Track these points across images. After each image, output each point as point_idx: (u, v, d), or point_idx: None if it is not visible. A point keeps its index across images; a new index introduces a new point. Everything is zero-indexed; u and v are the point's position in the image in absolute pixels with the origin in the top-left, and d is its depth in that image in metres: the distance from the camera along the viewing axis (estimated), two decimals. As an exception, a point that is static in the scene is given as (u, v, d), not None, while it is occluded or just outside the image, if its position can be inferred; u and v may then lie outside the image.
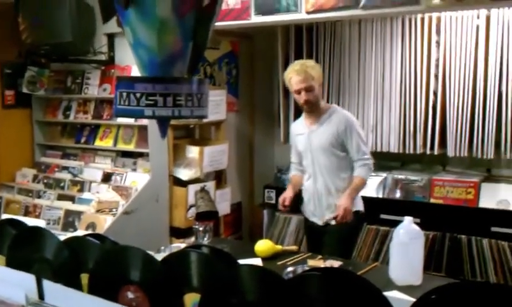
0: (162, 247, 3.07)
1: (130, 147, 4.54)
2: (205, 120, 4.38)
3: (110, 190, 4.32)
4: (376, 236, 4.46)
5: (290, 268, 2.79)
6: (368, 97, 4.64)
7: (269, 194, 5.11)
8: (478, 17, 4.10)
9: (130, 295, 1.51)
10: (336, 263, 2.94)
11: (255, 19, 4.01)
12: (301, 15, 3.82)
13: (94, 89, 4.63)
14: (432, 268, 4.14)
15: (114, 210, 4.12)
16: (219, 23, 3.86)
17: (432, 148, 4.40)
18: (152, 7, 1.57)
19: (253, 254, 3.07)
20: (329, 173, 3.51)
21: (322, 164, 3.52)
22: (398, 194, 4.54)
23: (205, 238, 3.24)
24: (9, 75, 4.75)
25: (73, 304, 1.43)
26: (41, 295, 1.51)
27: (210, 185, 4.49)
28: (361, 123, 4.63)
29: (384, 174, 4.64)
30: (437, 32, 4.27)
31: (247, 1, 4.00)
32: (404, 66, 4.43)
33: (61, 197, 4.49)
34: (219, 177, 4.83)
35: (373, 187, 4.54)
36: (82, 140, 4.82)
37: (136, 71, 1.81)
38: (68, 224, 4.21)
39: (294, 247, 3.44)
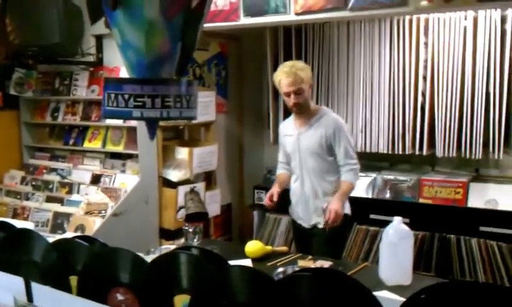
0: (152, 249, 3.06)
1: (119, 148, 4.52)
2: (194, 121, 4.37)
3: (99, 192, 4.30)
4: (366, 237, 4.47)
5: (280, 269, 2.80)
6: (357, 98, 4.66)
7: (259, 195, 5.11)
8: (465, 19, 4.12)
9: (120, 297, 1.51)
10: (326, 264, 2.95)
11: (244, 21, 4.02)
12: (289, 17, 3.83)
13: (82, 90, 4.61)
14: (422, 268, 4.16)
15: (103, 211, 4.10)
16: (208, 25, 3.86)
17: (421, 148, 4.42)
18: (139, 8, 1.56)
19: (243, 255, 3.07)
20: (316, 175, 3.50)
21: (310, 166, 3.51)
22: (387, 195, 4.55)
23: (195, 240, 3.24)
24: (-3, 76, 4.72)
25: (62, 306, 1.42)
26: (29, 298, 1.50)
27: (200, 186, 4.49)
28: (350, 124, 4.66)
29: (373, 175, 4.65)
30: (425, 34, 4.30)
31: (236, 3, 4.01)
32: (392, 67, 4.45)
33: (49, 199, 4.46)
34: (208, 178, 4.83)
35: (362, 188, 4.55)
36: (71, 142, 4.79)
37: (124, 73, 1.80)
38: (57, 226, 4.19)
39: (284, 248, 3.44)
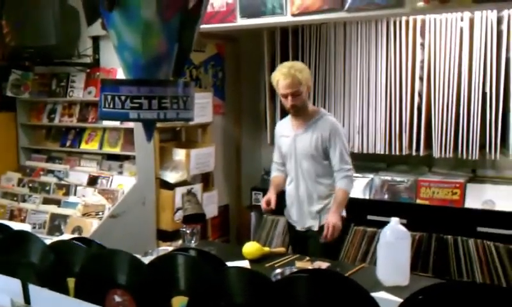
0: (149, 251, 3.06)
1: (116, 150, 4.51)
2: (191, 123, 4.38)
3: (96, 194, 4.29)
4: (363, 238, 4.47)
5: (278, 270, 2.79)
6: (354, 99, 4.66)
7: (257, 196, 5.11)
8: (462, 20, 4.13)
9: (117, 298, 1.51)
10: (324, 265, 2.95)
11: (241, 22, 4.02)
12: (286, 18, 3.83)
13: (79, 92, 4.60)
14: (419, 268, 4.16)
15: (100, 213, 4.10)
16: (204, 26, 3.86)
17: (418, 149, 4.42)
18: (136, 9, 1.56)
19: (240, 257, 3.07)
20: (311, 178, 3.49)
21: (305, 169, 3.49)
22: (384, 195, 4.55)
23: (193, 241, 3.23)
24: (-7, 78, 4.71)
25: (60, 308, 1.42)
26: (27, 300, 1.49)
27: (197, 187, 4.49)
28: (347, 125, 4.67)
29: (370, 176, 4.65)
30: (421, 35, 4.30)
31: (232, 4, 4.00)
32: (389, 68, 4.45)
33: (46, 201, 4.45)
34: (206, 180, 4.82)
35: (360, 189, 4.55)
36: (68, 143, 4.78)
37: (121, 74, 1.80)
38: (54, 228, 4.18)
39: (281, 249, 3.45)
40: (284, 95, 3.41)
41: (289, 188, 3.62)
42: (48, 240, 1.80)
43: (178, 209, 3.67)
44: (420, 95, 4.37)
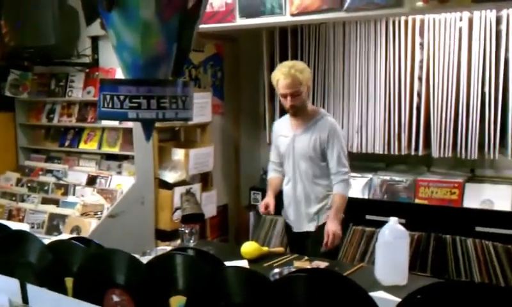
0: (148, 250, 3.06)
1: (115, 150, 4.51)
2: (190, 123, 4.38)
3: (95, 194, 4.29)
4: (362, 237, 4.48)
5: (276, 270, 2.79)
6: (353, 99, 4.66)
7: (255, 196, 5.11)
8: (461, 19, 4.13)
9: (116, 298, 1.51)
10: (322, 264, 2.95)
11: (240, 22, 4.02)
12: (285, 18, 3.83)
13: (78, 92, 4.60)
14: (418, 268, 4.16)
15: (99, 213, 4.10)
16: (203, 26, 3.86)
17: (416, 149, 4.42)
18: (135, 9, 1.56)
19: (239, 256, 3.07)
20: (309, 179, 3.47)
21: (303, 170, 3.47)
22: (383, 195, 4.56)
23: (191, 241, 3.23)
24: (-8, 78, 4.71)
25: (58, 308, 1.42)
26: (25, 300, 1.49)
27: (196, 187, 4.49)
28: (346, 125, 4.67)
29: (369, 176, 4.65)
30: (421, 35, 4.30)
31: (232, 4, 4.01)
32: (388, 67, 4.46)
33: (45, 201, 4.44)
34: (205, 179, 4.82)
35: (358, 188, 4.56)
36: (66, 143, 4.78)
37: (120, 74, 1.80)
38: (53, 228, 4.17)
39: (280, 249, 3.44)
40: (283, 95, 3.39)
41: (287, 189, 3.60)
42: (47, 240, 1.79)
43: (177, 209, 3.67)
44: (419, 95, 4.37)
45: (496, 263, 3.98)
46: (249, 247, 3.13)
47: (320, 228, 3.43)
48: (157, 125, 3.97)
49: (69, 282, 1.61)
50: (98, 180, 4.48)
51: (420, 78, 4.35)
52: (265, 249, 3.25)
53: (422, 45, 4.31)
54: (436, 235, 4.21)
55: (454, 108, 4.21)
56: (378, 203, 4.52)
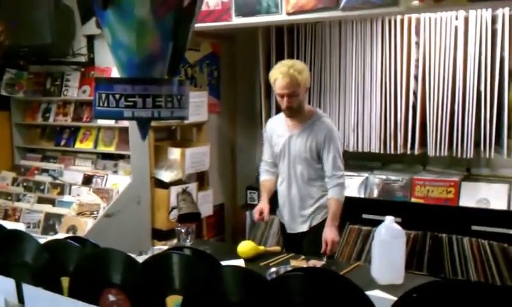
0: (144, 250, 3.06)
1: (111, 149, 4.51)
2: (186, 122, 4.37)
3: (91, 193, 4.28)
4: (358, 236, 4.48)
5: (273, 269, 2.80)
6: (349, 98, 4.66)
7: (252, 195, 5.11)
8: (456, 18, 4.13)
9: (112, 298, 1.50)
10: (319, 263, 2.95)
11: (236, 20, 4.01)
12: (281, 16, 3.83)
13: (74, 91, 4.60)
14: (414, 267, 4.17)
15: (95, 212, 4.09)
16: (199, 25, 3.86)
17: (412, 147, 4.42)
18: (130, 7, 1.56)
19: (235, 256, 3.07)
20: (304, 181, 3.44)
21: (298, 171, 3.43)
22: (379, 194, 4.56)
23: (188, 240, 3.23)
24: (-12, 77, 4.70)
25: (54, 308, 1.42)
26: (20, 300, 1.49)
27: (192, 186, 4.48)
28: (342, 124, 4.67)
29: (365, 175, 4.66)
30: (416, 33, 4.30)
31: (228, 2, 4.00)
32: (384, 66, 4.46)
33: (41, 200, 4.44)
34: (201, 179, 4.82)
35: (355, 187, 4.56)
36: (62, 142, 4.77)
37: (116, 73, 1.79)
38: (49, 228, 4.17)
39: (276, 248, 3.44)
40: (280, 95, 3.32)
41: (281, 189, 3.57)
42: (43, 240, 1.79)
43: (173, 208, 3.66)
44: (415, 94, 4.37)
45: (492, 261, 3.99)
46: (245, 247, 3.13)
47: (315, 228, 3.42)
48: (153, 124, 3.97)
49: (65, 282, 1.60)
50: (94, 180, 4.47)
51: (416, 77, 4.35)
52: (262, 248, 3.24)
53: (417, 44, 4.31)
54: (432, 233, 4.21)
55: (450, 107, 4.22)
56: (374, 202, 4.52)
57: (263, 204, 3.48)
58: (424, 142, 4.39)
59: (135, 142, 4.17)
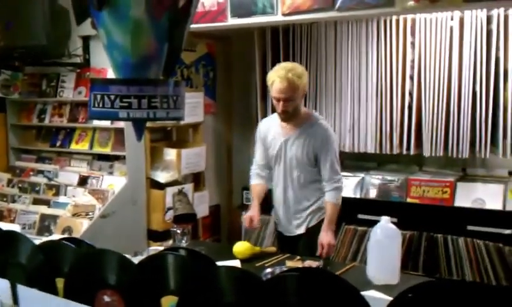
0: (140, 251, 3.05)
1: (107, 150, 4.50)
2: (182, 122, 4.37)
3: (86, 194, 4.27)
4: (354, 236, 4.48)
5: (268, 270, 2.80)
6: (345, 98, 4.66)
7: (247, 196, 5.10)
8: (452, 19, 4.14)
9: (107, 299, 1.50)
10: (314, 264, 2.95)
11: (232, 21, 4.02)
12: (277, 17, 3.83)
13: (69, 92, 4.59)
14: (410, 267, 4.17)
15: (90, 213, 4.08)
16: (195, 26, 3.86)
17: (408, 148, 4.43)
18: (125, 8, 1.56)
19: (231, 256, 3.07)
20: (300, 184, 3.38)
21: (295, 176, 3.37)
22: (375, 194, 4.56)
23: (183, 241, 3.23)
24: (-17, 79, 4.68)
25: (49, 309, 1.41)
26: (15, 301, 1.49)
27: (188, 187, 4.48)
28: (338, 125, 4.68)
29: (361, 175, 4.66)
30: (412, 34, 4.31)
31: (223, 3, 4.00)
32: (379, 67, 4.46)
33: (36, 202, 4.43)
34: (197, 179, 4.82)
35: (350, 187, 4.56)
36: (58, 143, 4.76)
37: (111, 74, 1.79)
38: (44, 229, 4.16)
39: (272, 249, 3.44)
40: (276, 99, 3.23)
41: (277, 192, 3.50)
42: (38, 241, 1.79)
43: (169, 209, 3.67)
44: (411, 94, 4.38)
45: (487, 262, 3.99)
46: (241, 247, 3.13)
47: (311, 230, 3.40)
48: (149, 124, 3.96)
49: (60, 283, 1.60)
50: (89, 181, 4.47)
51: (411, 78, 4.36)
52: (258, 248, 3.24)
53: (413, 44, 4.32)
54: (427, 234, 4.22)
55: (446, 107, 4.23)
56: (370, 202, 4.53)
57: (253, 211, 3.39)
58: (419, 143, 4.40)
59: (130, 143, 4.17)
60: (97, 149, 4.55)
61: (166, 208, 4.08)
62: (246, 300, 1.34)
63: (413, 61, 4.33)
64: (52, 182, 4.56)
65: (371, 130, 4.55)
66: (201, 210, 4.69)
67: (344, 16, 3.88)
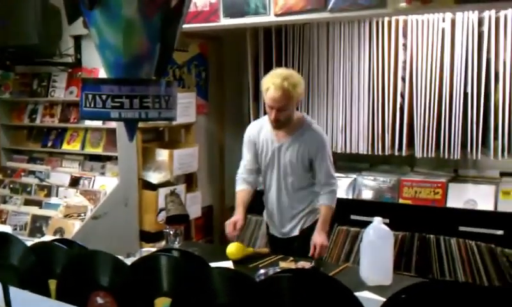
0: (132, 252, 3.04)
1: (98, 150, 4.48)
2: (174, 123, 4.36)
3: (78, 195, 4.26)
4: (347, 237, 4.49)
5: (261, 271, 2.79)
6: (337, 99, 4.67)
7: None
8: (443, 20, 4.16)
9: (99, 300, 1.49)
10: (307, 265, 2.95)
11: (224, 21, 4.01)
12: (269, 18, 3.83)
13: (61, 92, 4.57)
14: (402, 268, 4.18)
15: (82, 214, 4.06)
16: (187, 26, 3.85)
17: (400, 149, 4.44)
18: (117, 7, 1.55)
19: (224, 257, 3.06)
20: (294, 189, 3.35)
21: (289, 181, 3.33)
22: (367, 195, 4.57)
23: (176, 242, 3.22)
24: (-27, 78, 4.66)
25: (40, 310, 1.40)
26: (7, 302, 1.48)
27: (181, 188, 4.47)
28: (330, 125, 4.68)
29: (353, 176, 4.67)
30: (404, 35, 4.32)
31: (216, 3, 4.00)
32: (371, 68, 4.47)
33: (27, 202, 4.41)
34: (189, 180, 4.80)
35: (343, 188, 4.57)
36: (49, 144, 4.74)
37: (103, 74, 1.78)
38: (36, 230, 4.14)
39: (265, 249, 3.43)
40: (269, 106, 3.14)
41: (270, 195, 3.44)
42: (30, 242, 1.78)
43: (162, 210, 3.65)
44: (403, 95, 4.39)
45: (479, 262, 4.01)
46: (234, 248, 3.12)
47: (305, 231, 3.39)
48: (141, 125, 3.95)
49: (52, 284, 1.59)
50: (81, 181, 4.45)
51: (403, 79, 4.37)
52: (251, 249, 3.24)
53: (405, 45, 4.33)
54: (420, 234, 4.23)
55: (437, 108, 4.24)
56: (362, 203, 4.54)
57: (238, 217, 3.30)
58: (411, 144, 4.42)
59: (122, 143, 4.15)
60: (89, 150, 4.53)
61: (159, 209, 4.06)
62: (240, 302, 1.33)
63: (404, 62, 4.35)
64: (44, 183, 4.53)
65: (363, 131, 4.56)
66: (194, 210, 4.68)
67: (336, 17, 3.88)
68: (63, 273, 1.56)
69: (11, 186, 4.63)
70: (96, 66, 4.29)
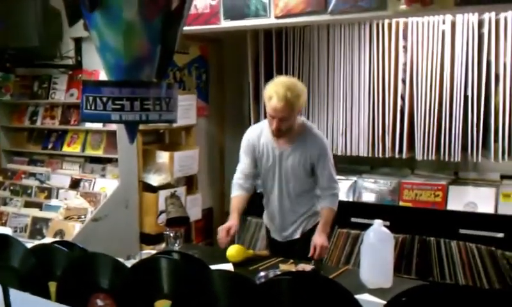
0: (132, 254, 3.04)
1: (99, 153, 4.48)
2: (175, 125, 4.36)
3: (78, 197, 4.26)
4: (347, 240, 4.49)
5: (262, 273, 2.78)
6: (338, 101, 4.67)
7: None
8: (444, 22, 4.16)
9: (100, 302, 1.49)
10: (308, 267, 2.95)
11: (224, 24, 4.01)
12: (270, 20, 3.83)
13: (61, 94, 4.57)
14: (403, 270, 4.18)
15: (82, 216, 4.06)
16: (188, 28, 3.85)
17: (400, 151, 4.44)
18: (118, 10, 1.55)
19: (224, 260, 3.06)
20: (296, 194, 3.34)
21: (291, 187, 3.31)
22: (368, 198, 4.57)
23: (176, 245, 3.22)
24: (-26, 80, 4.66)
25: (41, 313, 1.40)
26: (8, 305, 1.48)
27: (181, 190, 4.47)
28: (330, 128, 4.68)
29: (354, 178, 4.67)
30: (404, 38, 4.33)
31: (216, 6, 4.00)
32: (372, 70, 4.47)
33: (28, 205, 4.41)
34: (190, 182, 4.80)
35: (343, 191, 4.56)
36: (50, 146, 4.74)
37: (104, 76, 1.78)
38: (36, 232, 4.13)
39: (265, 252, 3.43)
40: (271, 116, 3.11)
41: (271, 200, 3.43)
42: (30, 244, 1.77)
43: (162, 212, 3.64)
44: (403, 98, 4.39)
45: (480, 265, 4.01)
46: (234, 251, 3.12)
47: (306, 234, 3.38)
48: (141, 127, 3.95)
49: (52, 286, 1.59)
50: (81, 183, 4.45)
51: (403, 81, 4.37)
52: (251, 252, 3.24)
53: (405, 47, 4.33)
54: (420, 237, 4.23)
55: (438, 111, 4.24)
56: (363, 206, 4.54)
57: (232, 222, 3.27)
58: (411, 146, 4.41)
59: (123, 145, 4.15)
60: (89, 152, 4.53)
61: (159, 211, 4.06)
62: (240, 304, 1.33)
63: (405, 65, 4.35)
64: (44, 185, 4.53)
65: (364, 133, 4.56)
66: (194, 213, 4.68)
67: (337, 20, 3.88)
68: (63, 275, 1.56)
69: (12, 188, 4.63)
70: (97, 68, 4.30)
